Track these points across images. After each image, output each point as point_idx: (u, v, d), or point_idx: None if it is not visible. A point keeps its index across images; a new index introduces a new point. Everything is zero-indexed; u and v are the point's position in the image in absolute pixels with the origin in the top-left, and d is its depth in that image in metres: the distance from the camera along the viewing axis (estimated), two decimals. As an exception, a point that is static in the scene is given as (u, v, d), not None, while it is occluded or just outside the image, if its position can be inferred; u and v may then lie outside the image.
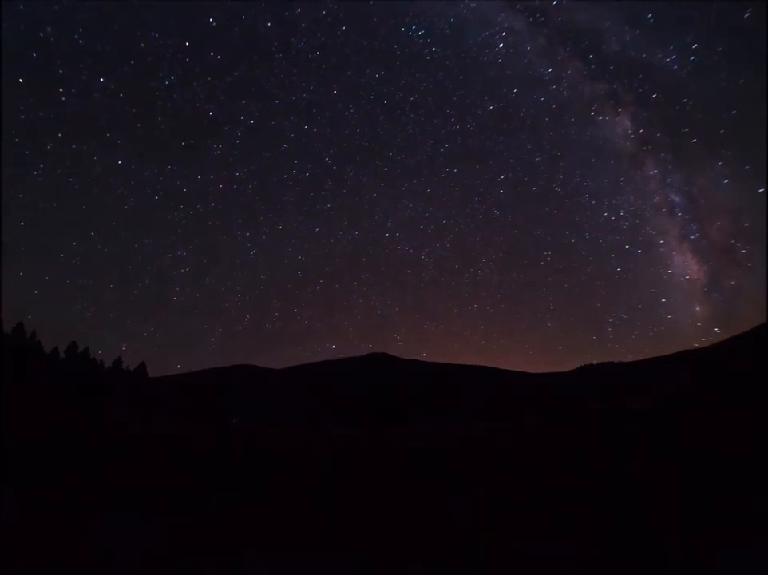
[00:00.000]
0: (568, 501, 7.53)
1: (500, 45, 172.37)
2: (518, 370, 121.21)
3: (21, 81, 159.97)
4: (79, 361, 65.64)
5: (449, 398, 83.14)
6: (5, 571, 4.39)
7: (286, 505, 8.14)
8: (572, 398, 60.17)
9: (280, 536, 6.14)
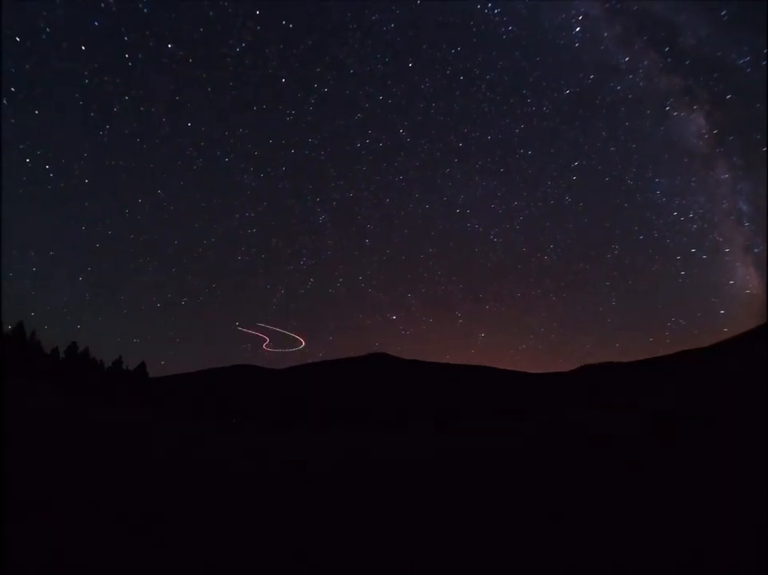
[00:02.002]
0: (568, 501, 7.52)
1: (577, 29, 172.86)
2: (523, 370, 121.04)
3: (83, 48, 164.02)
4: (79, 361, 65.63)
5: (449, 398, 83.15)
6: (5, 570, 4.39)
7: (286, 505, 8.13)
8: (572, 398, 60.16)
9: (280, 536, 6.13)
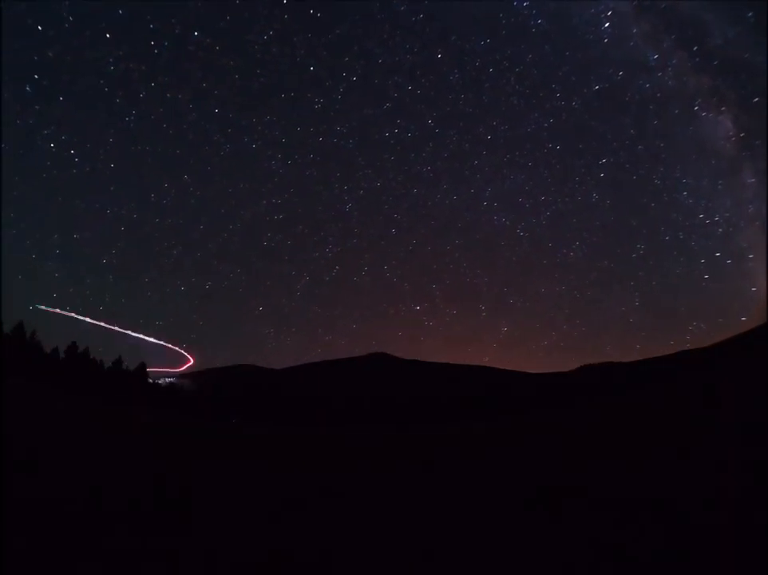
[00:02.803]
0: (567, 501, 7.53)
1: (606, 25, 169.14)
2: (527, 371, 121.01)
3: (108, 36, 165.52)
4: (79, 361, 65.65)
5: (449, 399, 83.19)
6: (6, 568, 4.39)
7: (285, 505, 8.14)
8: (572, 398, 60.18)
9: (280, 536, 6.14)
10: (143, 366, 76.01)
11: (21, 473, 8.59)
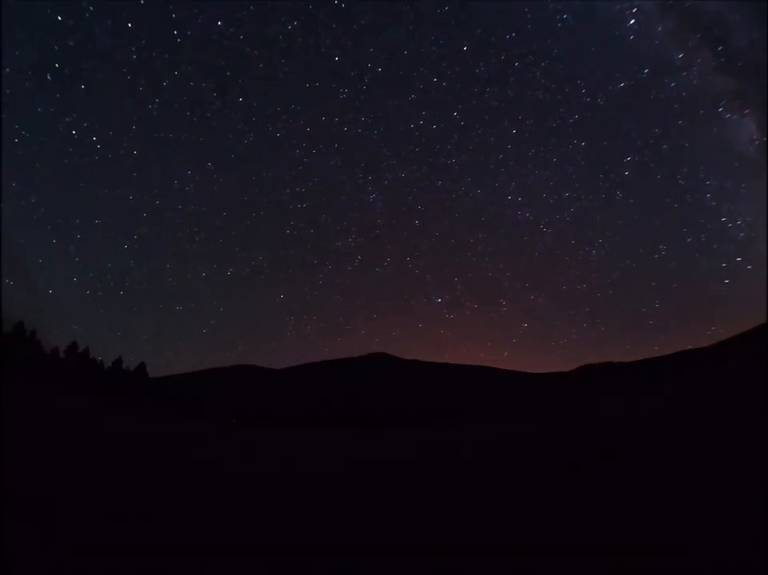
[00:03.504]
0: (568, 501, 7.52)
1: (632, 22, 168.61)
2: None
3: (129, 25, 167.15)
4: (79, 361, 65.59)
5: (449, 399, 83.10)
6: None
7: (285, 504, 8.13)
8: (572, 398, 60.13)
9: (280, 536, 6.13)
10: (143, 366, 75.96)
11: (21, 472, 8.58)
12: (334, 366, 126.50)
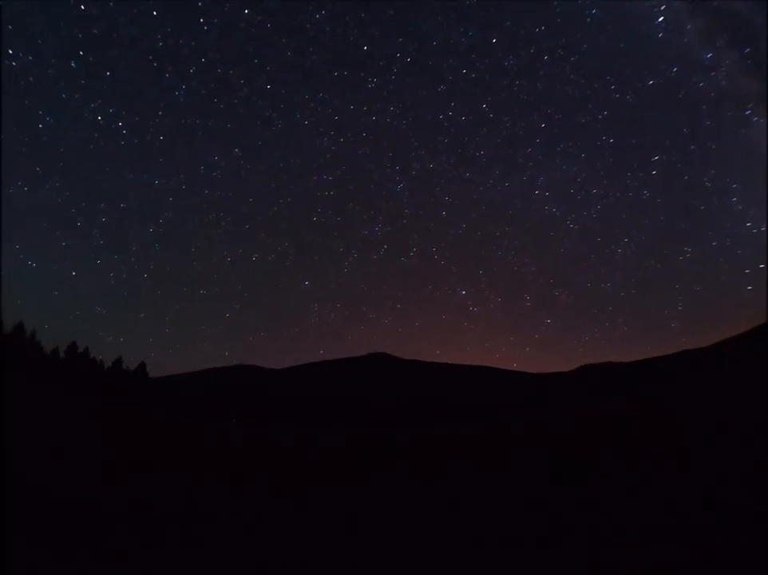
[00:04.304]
0: (568, 501, 7.52)
1: (661, 19, 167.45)
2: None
3: (154, 13, 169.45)
4: (79, 361, 65.58)
5: (449, 399, 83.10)
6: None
7: (286, 505, 8.13)
8: (572, 398, 60.15)
9: (280, 536, 6.13)
10: (143, 365, 75.99)
11: (22, 472, 8.58)
12: (334, 366, 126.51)
